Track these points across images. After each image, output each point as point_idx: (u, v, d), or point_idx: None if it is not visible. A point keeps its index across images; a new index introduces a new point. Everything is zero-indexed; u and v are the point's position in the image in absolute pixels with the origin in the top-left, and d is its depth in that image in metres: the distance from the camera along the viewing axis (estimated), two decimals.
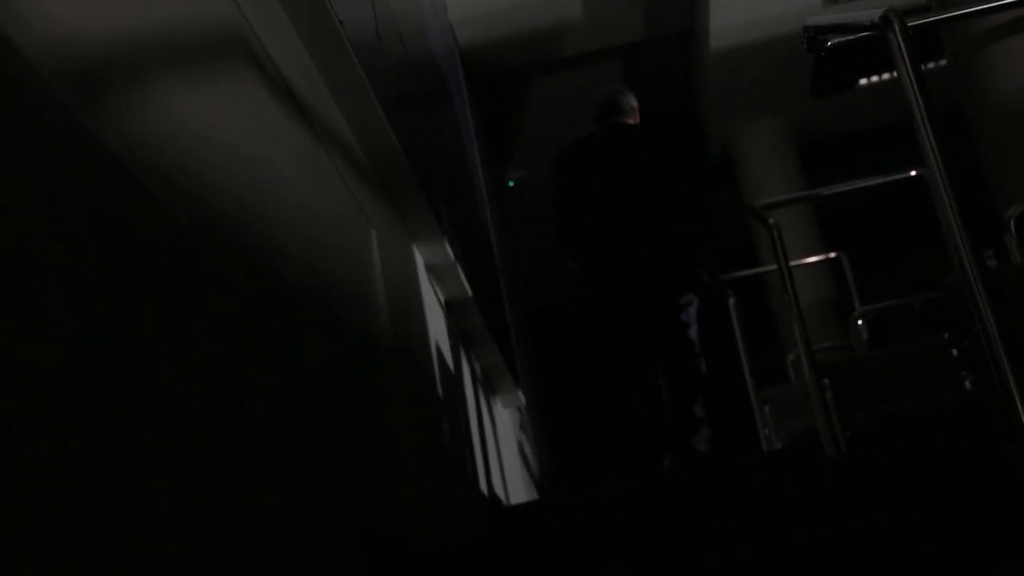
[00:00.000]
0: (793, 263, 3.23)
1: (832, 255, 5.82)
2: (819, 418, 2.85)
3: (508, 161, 8.23)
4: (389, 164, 2.45)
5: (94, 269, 0.88)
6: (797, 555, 1.56)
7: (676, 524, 1.87)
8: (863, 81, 7.02)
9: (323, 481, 1.46)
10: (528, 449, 5.55)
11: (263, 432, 1.24)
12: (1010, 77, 3.33)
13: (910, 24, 1.63)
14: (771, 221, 3.13)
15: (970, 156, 3.46)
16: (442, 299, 3.34)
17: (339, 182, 2.11)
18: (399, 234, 2.74)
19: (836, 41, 1.92)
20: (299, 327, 1.55)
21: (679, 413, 3.57)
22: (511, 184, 8.36)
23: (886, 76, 6.99)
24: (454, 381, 3.20)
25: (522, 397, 4.96)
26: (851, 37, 1.90)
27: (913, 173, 3.78)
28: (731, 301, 4.65)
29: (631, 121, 3.84)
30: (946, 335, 3.05)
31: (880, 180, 3.88)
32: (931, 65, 5.44)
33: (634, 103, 3.89)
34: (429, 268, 3.13)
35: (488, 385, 4.26)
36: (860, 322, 4.73)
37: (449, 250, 3.05)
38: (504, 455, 4.14)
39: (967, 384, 2.51)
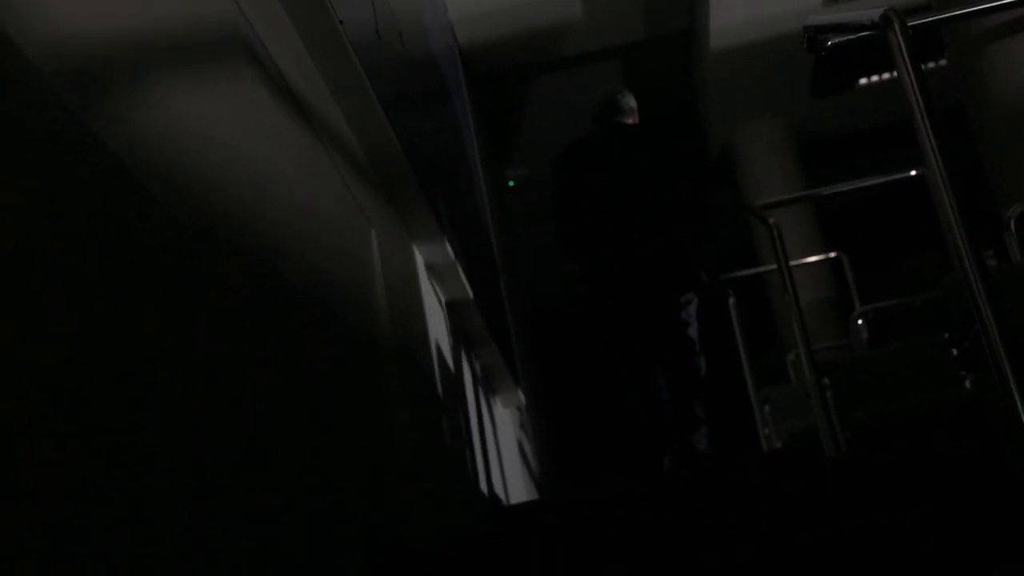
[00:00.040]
0: (793, 263, 3.23)
1: (832, 255, 5.83)
2: (819, 418, 2.85)
3: (508, 161, 8.23)
4: (389, 164, 2.45)
5: (94, 269, 0.88)
6: (797, 555, 1.56)
7: (676, 524, 1.87)
8: (863, 81, 7.02)
9: (323, 481, 1.46)
10: (528, 449, 5.55)
11: (263, 432, 1.24)
12: (1010, 77, 3.33)
13: (910, 24, 1.63)
14: (771, 221, 3.13)
15: (970, 156, 3.46)
16: (442, 299, 3.34)
17: (339, 182, 2.11)
18: (399, 234, 2.74)
19: (836, 41, 1.93)
20: (299, 327, 1.55)
21: (679, 412, 3.57)
22: (511, 184, 8.36)
23: (886, 76, 6.99)
24: (454, 381, 3.20)
25: (522, 396, 4.96)
26: (851, 37, 1.90)
27: (913, 173, 3.79)
28: (731, 301, 4.65)
29: (630, 121, 3.85)
30: (946, 335, 3.05)
31: (880, 180, 3.88)
32: (931, 65, 5.44)
33: (633, 103, 3.89)
34: (429, 268, 3.13)
35: (488, 385, 4.26)
36: (860, 322, 4.73)
37: (449, 250, 3.05)
38: (504, 455, 4.14)
39: (967, 384, 2.52)
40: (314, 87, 2.01)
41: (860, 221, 8.97)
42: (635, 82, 6.98)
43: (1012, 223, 2.97)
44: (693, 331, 3.64)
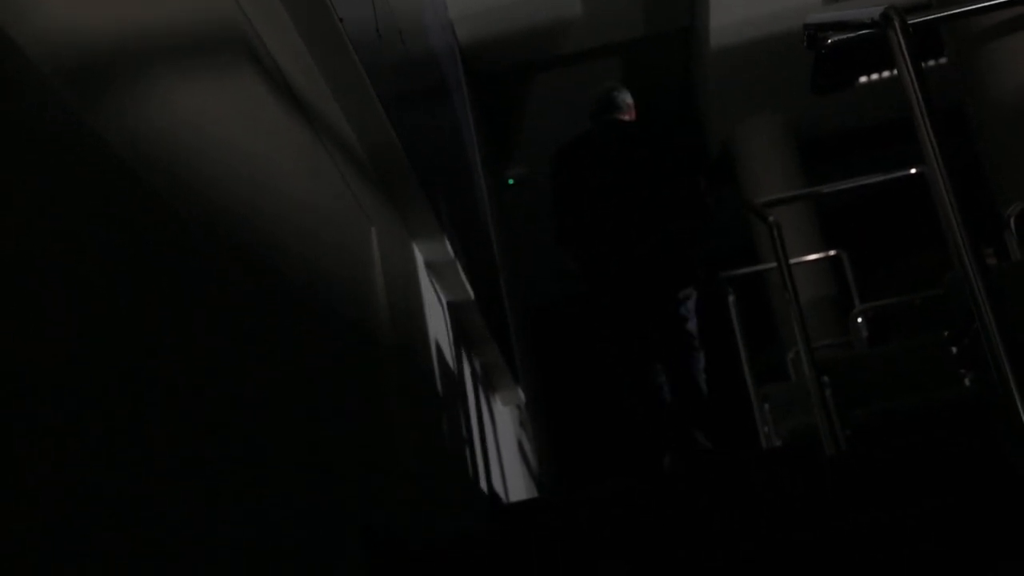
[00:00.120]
0: (793, 261, 3.23)
1: (832, 253, 5.83)
2: (819, 416, 2.86)
3: (508, 159, 8.23)
4: (389, 162, 2.45)
5: (94, 267, 0.88)
6: (797, 553, 1.56)
7: (675, 522, 1.87)
8: (863, 78, 7.02)
9: (322, 479, 1.46)
10: (527, 447, 5.55)
11: (262, 430, 1.24)
12: (1010, 75, 3.33)
13: (910, 22, 1.63)
14: (771, 219, 3.13)
15: (970, 154, 3.46)
16: (442, 297, 3.34)
17: (339, 180, 2.11)
18: (399, 232, 2.74)
19: (836, 39, 1.93)
20: (299, 324, 1.55)
21: (681, 408, 3.58)
22: (511, 182, 8.36)
23: (886, 74, 6.99)
24: (454, 379, 3.20)
25: (522, 395, 4.96)
26: (851, 35, 1.90)
27: (913, 171, 3.79)
28: (731, 298, 4.65)
29: (627, 118, 3.85)
30: (946, 333, 3.05)
31: (880, 178, 3.88)
32: (931, 63, 5.44)
33: (630, 100, 3.89)
34: (429, 266, 3.13)
35: (488, 383, 4.26)
36: (860, 320, 4.73)
37: (449, 248, 3.05)
38: (503, 453, 4.14)
39: (967, 382, 2.51)
40: (314, 85, 2.01)
41: (860, 219, 8.98)
42: (635, 80, 6.98)
43: (1012, 221, 2.97)
44: (692, 326, 3.64)
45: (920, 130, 1.59)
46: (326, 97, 2.07)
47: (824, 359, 3.64)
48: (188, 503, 0.95)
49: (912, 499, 1.81)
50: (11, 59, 0.82)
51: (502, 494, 3.69)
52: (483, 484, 3.26)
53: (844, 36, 1.91)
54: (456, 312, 3.55)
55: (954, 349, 2.08)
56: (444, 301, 3.37)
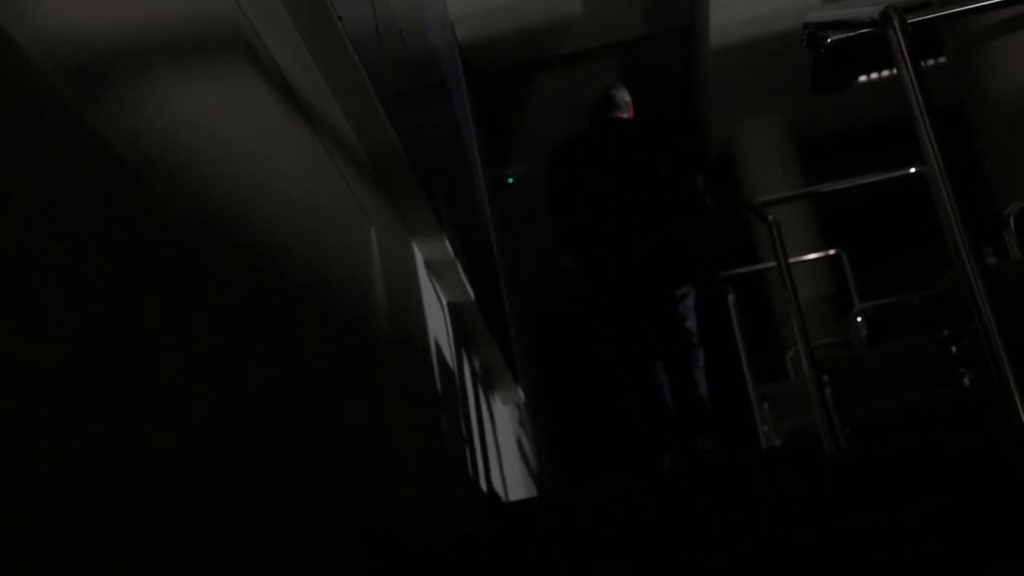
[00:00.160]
0: (793, 260, 3.23)
1: (832, 252, 5.83)
2: (818, 415, 2.86)
3: (508, 158, 8.23)
4: (389, 161, 2.45)
5: (94, 267, 0.88)
6: (796, 553, 1.56)
7: (675, 521, 1.87)
8: (863, 78, 7.02)
9: (322, 478, 1.46)
10: (527, 446, 5.55)
11: (262, 430, 1.24)
12: (1010, 74, 3.33)
13: (910, 21, 1.64)
14: (770, 218, 3.13)
15: (970, 153, 3.46)
16: (441, 296, 3.34)
17: (339, 179, 2.11)
18: (399, 231, 2.74)
19: (836, 38, 1.93)
20: (299, 324, 1.55)
21: (681, 407, 3.57)
22: (511, 181, 8.36)
23: (886, 73, 6.99)
24: (453, 378, 3.20)
25: (521, 394, 4.96)
26: (851, 34, 1.90)
27: (913, 170, 3.79)
28: (731, 298, 4.65)
29: (626, 116, 3.84)
30: (945, 332, 3.05)
31: (880, 177, 3.88)
32: (931, 62, 5.44)
33: (627, 98, 3.89)
34: (429, 265, 3.13)
35: (487, 382, 4.26)
36: (859, 319, 4.73)
37: (449, 247, 3.05)
38: (503, 452, 4.14)
39: (966, 381, 2.52)
40: (314, 84, 2.01)
41: (860, 218, 8.98)
42: (635, 79, 6.98)
43: (1011, 220, 2.97)
44: (691, 324, 3.63)
45: (920, 129, 1.59)
46: (326, 97, 2.07)
47: (824, 358, 3.64)
48: (188, 503, 0.95)
49: (912, 498, 1.81)
50: (11, 59, 0.82)
51: (502, 493, 3.69)
52: (483, 484, 3.26)
53: (844, 35, 1.91)
54: (456, 311, 3.55)
55: (953, 348, 2.08)
56: (444, 301, 3.37)
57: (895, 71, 1.62)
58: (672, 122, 7.44)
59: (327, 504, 1.43)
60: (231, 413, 1.14)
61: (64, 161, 0.88)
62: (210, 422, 1.06)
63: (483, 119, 7.06)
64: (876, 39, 1.68)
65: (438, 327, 3.08)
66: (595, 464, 8.84)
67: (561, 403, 9.36)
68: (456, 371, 3.29)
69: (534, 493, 5.25)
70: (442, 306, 3.31)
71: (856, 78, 6.83)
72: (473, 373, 3.77)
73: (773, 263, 3.41)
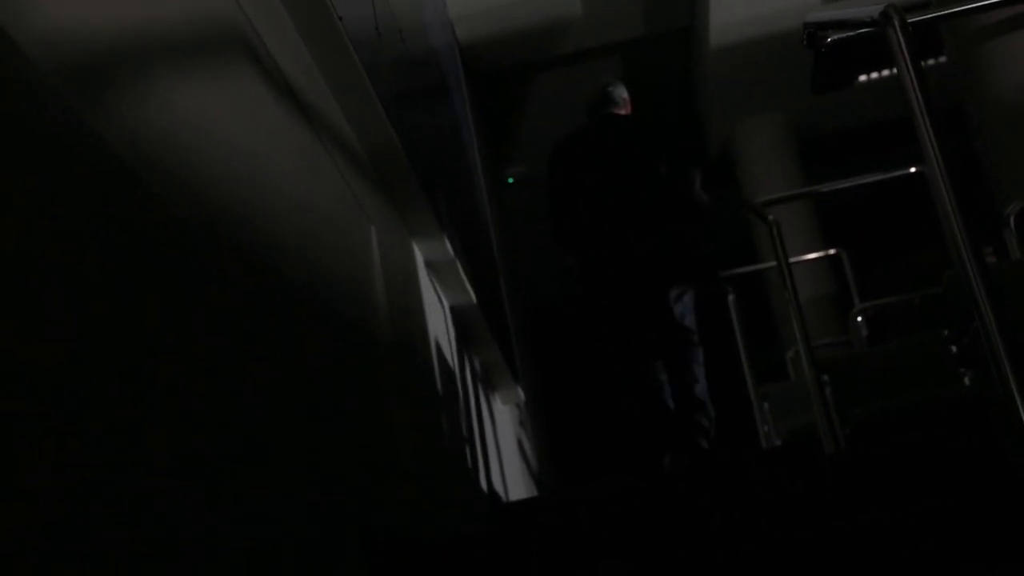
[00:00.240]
0: (793, 260, 3.23)
1: (832, 252, 5.83)
2: (818, 415, 2.86)
3: (508, 158, 8.23)
4: (389, 161, 2.45)
5: (94, 267, 0.88)
6: (796, 552, 1.56)
7: (675, 521, 1.87)
8: (863, 77, 7.02)
9: (322, 478, 1.46)
10: (527, 446, 5.55)
11: (262, 429, 1.24)
12: (1010, 73, 3.33)
13: (910, 20, 1.64)
14: (771, 218, 3.13)
15: (969, 153, 3.46)
16: (442, 296, 3.34)
17: (339, 179, 2.11)
18: (399, 231, 2.74)
19: (836, 37, 1.93)
20: (299, 324, 1.55)
21: (682, 402, 3.57)
22: (511, 181, 8.36)
23: (886, 72, 6.99)
24: (454, 378, 3.20)
25: (521, 394, 4.96)
26: (851, 33, 1.90)
27: (912, 170, 3.79)
28: (731, 298, 4.65)
29: (624, 112, 3.84)
30: (945, 332, 3.06)
31: (880, 177, 3.88)
32: (931, 62, 5.44)
33: (626, 94, 3.89)
34: (429, 265, 3.13)
35: (487, 382, 4.26)
36: (859, 319, 4.73)
37: (449, 247, 3.05)
38: (503, 452, 4.14)
39: (966, 381, 2.52)
40: (314, 84, 2.01)
41: (860, 218, 8.98)
42: (635, 79, 6.98)
43: (1011, 220, 2.97)
44: (690, 321, 3.63)
45: (920, 129, 1.59)
46: (326, 96, 2.07)
47: (824, 358, 3.64)
48: (188, 503, 0.95)
49: (912, 498, 1.81)
50: (11, 59, 0.82)
51: (502, 493, 3.69)
52: (483, 483, 3.26)
53: (844, 35, 1.91)
54: (456, 311, 3.55)
55: (954, 348, 2.08)
56: (444, 300, 3.38)
57: (895, 71, 1.62)
58: (672, 122, 7.43)
59: (327, 504, 1.43)
60: (231, 413, 1.14)
61: (64, 161, 0.88)
62: (210, 422, 1.06)
63: (483, 119, 7.06)
64: (876, 39, 1.68)
65: (438, 327, 3.08)
66: (595, 464, 8.84)
67: (561, 403, 9.36)
68: (456, 371, 3.29)
69: (534, 493, 5.25)
70: (442, 306, 3.31)
71: (856, 78, 6.83)
72: (473, 373, 3.77)
73: (773, 263, 3.41)
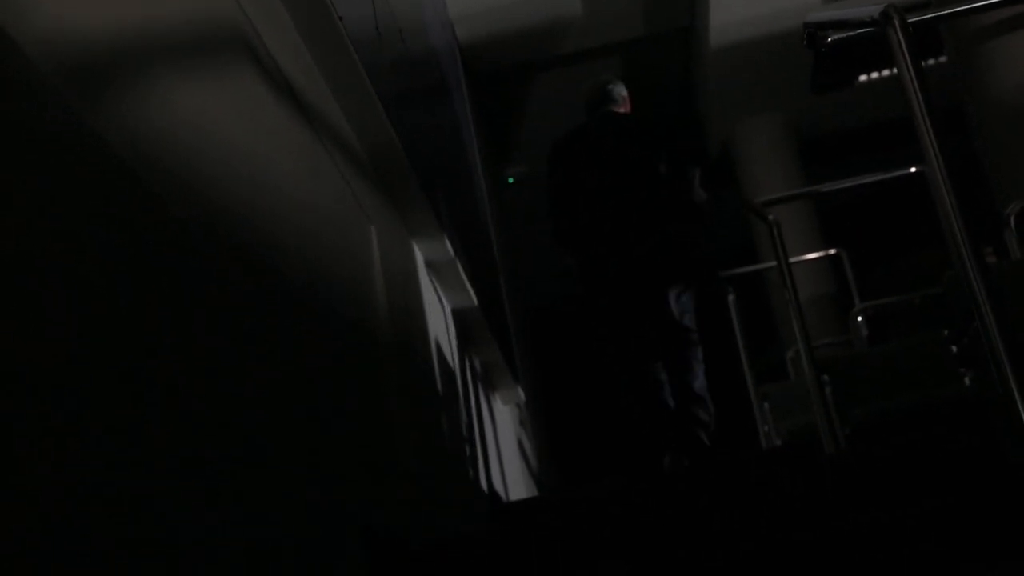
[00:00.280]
0: (793, 260, 3.23)
1: (832, 252, 5.83)
2: (818, 414, 2.86)
3: (508, 158, 8.23)
4: (389, 161, 2.45)
5: (94, 267, 0.88)
6: (796, 552, 1.56)
7: (675, 521, 1.87)
8: (863, 77, 7.02)
9: (322, 478, 1.46)
10: (527, 445, 5.55)
11: (262, 429, 1.24)
12: (1010, 73, 3.33)
13: (910, 20, 1.63)
14: (771, 218, 3.13)
15: (969, 153, 3.46)
16: (442, 296, 3.34)
17: (339, 179, 2.11)
18: (399, 231, 2.74)
19: (836, 37, 1.92)
20: (299, 324, 1.55)
21: (681, 397, 3.57)
22: (511, 181, 8.36)
23: (886, 72, 6.99)
24: (454, 378, 3.20)
25: (521, 394, 4.96)
26: (851, 33, 1.90)
27: (913, 170, 3.79)
28: (731, 298, 4.65)
29: (623, 110, 3.84)
30: (946, 332, 3.06)
31: (880, 177, 3.88)
32: (931, 61, 5.44)
33: (625, 92, 3.88)
34: (429, 265, 3.13)
35: (488, 382, 4.26)
36: (860, 318, 4.73)
37: (449, 247, 3.05)
38: (503, 452, 4.14)
39: (966, 380, 2.52)
40: (314, 84, 2.01)
41: (860, 218, 8.98)
42: (635, 79, 6.98)
43: (1011, 220, 2.97)
44: (689, 320, 3.63)
45: (920, 129, 1.59)
46: (326, 96, 2.07)
47: (824, 358, 3.64)
48: (188, 503, 0.95)
49: (912, 498, 1.81)
50: (11, 59, 0.82)
51: (502, 493, 3.69)
52: (483, 483, 3.26)
53: (844, 35, 1.91)
54: (456, 311, 3.55)
55: (954, 348, 2.08)
56: (444, 300, 3.38)
57: (895, 71, 1.62)
58: (672, 122, 7.44)
59: (327, 504, 1.43)
60: (231, 413, 1.14)
61: (64, 161, 0.88)
62: (210, 422, 1.06)
63: (483, 119, 7.06)
64: (876, 39, 1.68)
65: (438, 327, 3.08)
66: (595, 464, 8.84)
67: (561, 403, 9.36)
68: (456, 371, 3.29)
69: (534, 493, 5.25)
70: (442, 306, 3.31)
71: (856, 78, 6.84)
72: (473, 373, 3.77)
73: (773, 263, 3.41)
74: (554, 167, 3.77)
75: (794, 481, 1.92)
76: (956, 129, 2.57)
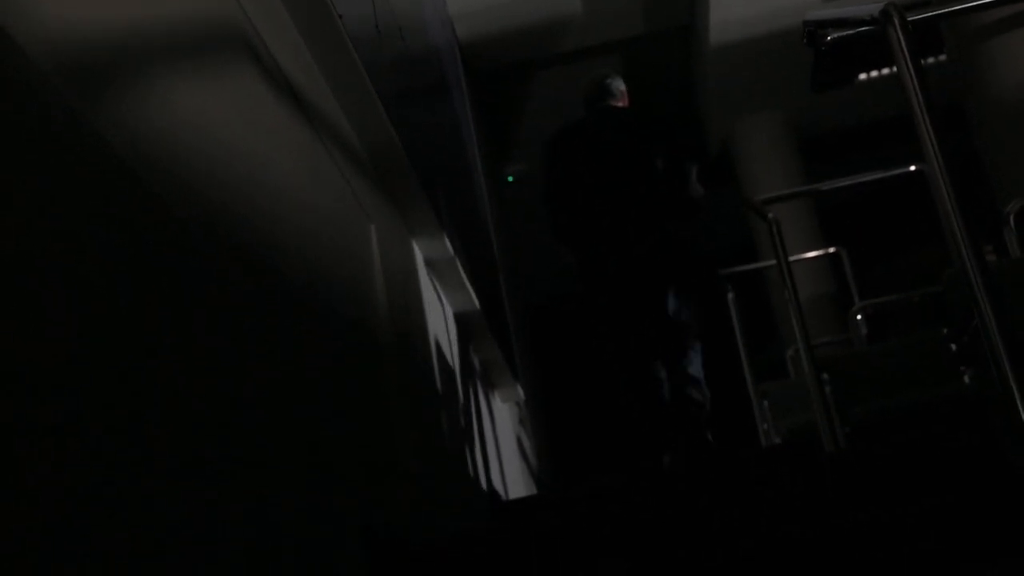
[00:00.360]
0: (792, 258, 3.24)
1: (831, 250, 5.83)
2: (818, 413, 2.86)
3: (507, 156, 8.22)
4: (389, 159, 2.45)
5: (94, 267, 0.88)
6: (796, 551, 1.56)
7: (674, 519, 1.87)
8: (863, 76, 7.02)
9: (322, 478, 1.46)
10: (527, 444, 5.55)
11: (262, 429, 1.24)
12: (1009, 72, 3.33)
13: (910, 18, 1.63)
14: (770, 216, 3.13)
15: (970, 151, 3.46)
16: (441, 294, 3.34)
17: (339, 177, 2.10)
18: (398, 229, 2.74)
19: (836, 36, 1.92)
20: (298, 323, 1.55)
21: (675, 379, 3.57)
22: (510, 179, 8.36)
23: (886, 71, 6.98)
24: (453, 376, 3.20)
25: (521, 392, 4.96)
26: (851, 32, 1.90)
27: (912, 168, 3.79)
28: (730, 296, 4.65)
29: (621, 104, 3.84)
30: (945, 330, 3.06)
31: (880, 175, 3.88)
32: (931, 60, 5.44)
33: (623, 87, 3.88)
34: (428, 263, 3.13)
35: (487, 380, 4.26)
36: (859, 317, 4.74)
37: (448, 245, 3.05)
38: (503, 450, 4.15)
39: (966, 379, 2.52)
40: (313, 82, 2.01)
41: (859, 216, 8.98)
42: (635, 77, 6.97)
43: (1011, 218, 2.97)
44: (686, 316, 3.62)
45: (920, 127, 1.59)
46: (326, 95, 2.07)
47: (823, 356, 3.64)
48: (188, 503, 0.95)
49: (911, 496, 1.81)
50: (11, 59, 0.82)
51: (501, 491, 3.69)
52: (482, 482, 3.26)
53: (844, 33, 1.91)
54: (456, 310, 3.55)
55: (953, 346, 2.08)
56: (444, 299, 3.38)
57: (895, 69, 1.62)
58: (672, 120, 7.43)
59: (327, 504, 1.43)
60: (231, 413, 1.14)
61: (64, 161, 0.88)
62: (210, 422, 1.07)
63: (483, 117, 7.06)
64: (876, 37, 1.68)
65: (438, 326, 3.08)
66: (594, 462, 8.84)
67: (561, 401, 9.37)
68: (456, 369, 3.29)
69: (534, 491, 5.25)
70: (442, 304, 3.31)
71: (856, 76, 6.83)
72: (473, 371, 3.77)
73: (773, 261, 3.41)
74: (552, 161, 3.76)
75: (794, 480, 1.93)
76: (956, 127, 2.57)
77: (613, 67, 7.17)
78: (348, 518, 1.52)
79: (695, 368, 3.58)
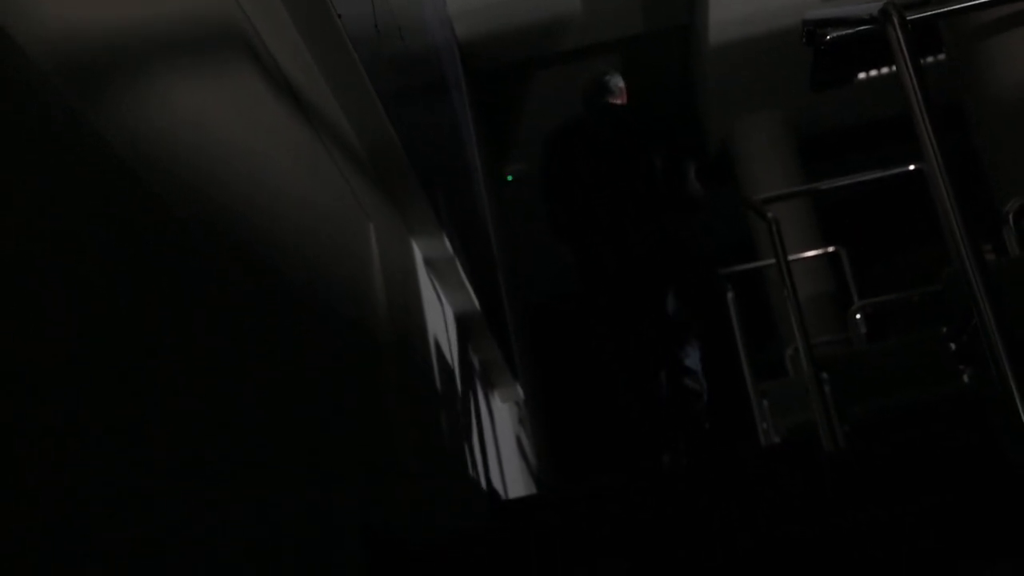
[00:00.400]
0: (792, 257, 3.24)
1: (831, 249, 5.83)
2: (817, 412, 2.86)
3: (507, 155, 8.22)
4: (388, 158, 2.45)
5: (94, 267, 0.88)
6: (795, 550, 1.57)
7: (674, 518, 1.87)
8: (862, 75, 7.02)
9: (321, 477, 1.46)
10: (526, 443, 5.55)
11: (261, 428, 1.24)
12: (1009, 71, 3.33)
13: (909, 18, 1.64)
14: (770, 215, 3.13)
15: (969, 150, 3.46)
16: (441, 293, 3.34)
17: (338, 176, 2.11)
18: (398, 228, 2.74)
19: (835, 35, 1.92)
20: (298, 322, 1.55)
21: (672, 372, 3.57)
22: (510, 179, 8.36)
23: (885, 70, 6.99)
24: (453, 376, 3.20)
25: (520, 392, 4.96)
26: (850, 31, 1.90)
27: (912, 167, 3.79)
28: (730, 295, 4.65)
29: (619, 101, 3.84)
30: (944, 329, 3.06)
31: (879, 174, 3.88)
32: (930, 59, 5.44)
33: (621, 84, 3.88)
34: (428, 262, 3.13)
35: (487, 379, 4.26)
36: (858, 316, 4.74)
37: (448, 244, 3.05)
38: (502, 449, 4.15)
39: (965, 378, 2.52)
40: (313, 82, 2.01)
41: (859, 215, 8.98)
42: (634, 76, 6.97)
43: (1010, 217, 2.97)
44: (685, 315, 3.63)
45: (919, 126, 1.59)
46: (325, 94, 2.07)
47: (823, 355, 3.64)
48: (188, 503, 0.95)
49: (911, 496, 1.81)
50: (11, 59, 0.82)
51: (501, 490, 3.69)
52: (482, 481, 3.26)
53: (843, 32, 1.91)
54: (455, 309, 3.55)
55: (952, 345, 2.08)
56: (443, 298, 3.38)
57: (894, 68, 1.62)
58: (671, 119, 7.43)
59: (326, 503, 1.43)
60: (231, 413, 1.14)
61: (64, 161, 0.88)
62: (210, 422, 1.07)
63: (482, 116, 7.06)
64: (875, 36, 1.68)
65: (437, 325, 3.08)
66: (594, 461, 8.84)
67: (560, 400, 9.37)
68: (455, 369, 3.30)
69: (533, 490, 5.25)
70: (441, 304, 3.31)
71: (855, 75, 6.83)
72: (472, 371, 3.78)
73: (772, 260, 3.42)
74: (550, 159, 3.76)
75: (793, 479, 1.93)
76: (955, 126, 2.58)
77: (612, 66, 7.18)
78: (347, 517, 1.52)
79: (691, 360, 3.58)
